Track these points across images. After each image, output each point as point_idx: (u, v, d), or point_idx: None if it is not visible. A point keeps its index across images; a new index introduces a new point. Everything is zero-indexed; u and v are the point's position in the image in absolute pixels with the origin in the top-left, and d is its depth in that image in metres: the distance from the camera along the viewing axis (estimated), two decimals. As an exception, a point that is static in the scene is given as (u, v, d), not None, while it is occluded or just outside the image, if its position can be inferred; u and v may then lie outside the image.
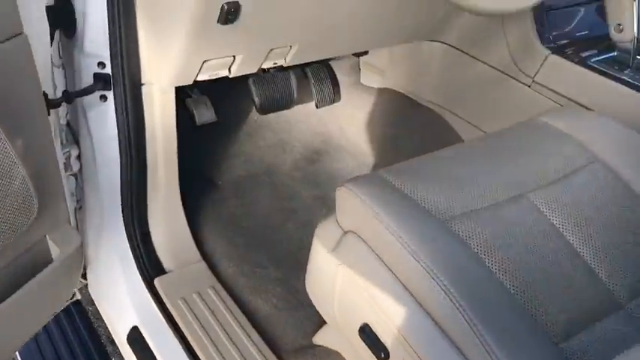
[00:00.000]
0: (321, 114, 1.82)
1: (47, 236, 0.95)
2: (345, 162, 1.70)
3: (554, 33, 1.39)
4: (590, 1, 1.45)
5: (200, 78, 1.20)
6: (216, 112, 1.56)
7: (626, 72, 1.29)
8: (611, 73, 1.28)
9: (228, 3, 1.01)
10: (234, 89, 1.65)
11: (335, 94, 1.79)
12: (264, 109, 1.61)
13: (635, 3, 1.24)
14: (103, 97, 1.18)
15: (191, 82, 1.20)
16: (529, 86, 1.38)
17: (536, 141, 1.09)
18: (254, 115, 1.70)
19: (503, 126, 1.46)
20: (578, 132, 1.10)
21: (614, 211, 0.95)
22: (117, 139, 1.19)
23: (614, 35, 1.29)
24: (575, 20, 1.45)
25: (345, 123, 1.82)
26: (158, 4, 1.07)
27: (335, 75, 1.82)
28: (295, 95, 1.67)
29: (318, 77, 1.76)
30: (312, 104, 1.79)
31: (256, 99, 1.58)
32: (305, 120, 1.80)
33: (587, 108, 1.28)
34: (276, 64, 1.30)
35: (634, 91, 1.22)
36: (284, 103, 1.63)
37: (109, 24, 1.08)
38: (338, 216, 0.95)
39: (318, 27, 1.23)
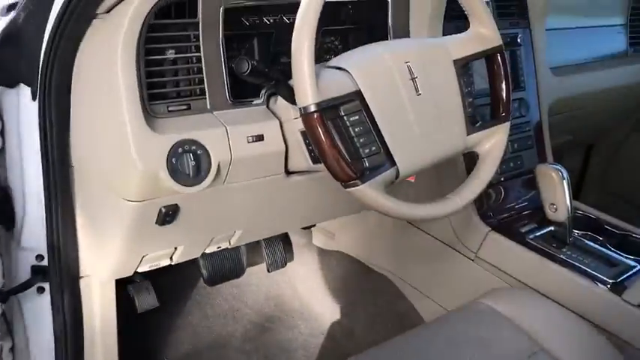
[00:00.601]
0: (274, 275, 1.81)
1: None
2: (299, 329, 1.67)
3: (494, 208, 1.44)
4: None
5: (141, 270, 1.19)
6: (162, 283, 1.53)
7: (564, 250, 1.32)
8: (549, 251, 1.31)
9: (166, 206, 1.03)
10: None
11: (287, 257, 1.78)
12: (213, 281, 1.59)
13: (565, 185, 1.30)
14: (41, 289, 1.15)
15: (131, 274, 1.18)
16: (472, 260, 1.41)
17: (480, 330, 1.09)
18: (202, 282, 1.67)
19: (452, 296, 1.47)
20: (521, 318, 1.11)
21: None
22: (53, 333, 1.15)
23: (549, 214, 1.34)
24: (513, 193, 1.51)
25: (299, 285, 1.80)
26: (96, 204, 1.08)
27: (287, 236, 1.83)
28: (245, 263, 1.66)
29: (269, 240, 1.76)
30: (264, 265, 1.78)
31: (204, 271, 1.56)
32: (257, 283, 1.79)
33: (529, 287, 1.30)
34: (220, 247, 1.30)
35: (572, 273, 1.24)
36: (235, 272, 1.62)
37: (46, 219, 1.09)
38: None
39: (263, 213, 1.25)
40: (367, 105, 0.95)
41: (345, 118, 0.93)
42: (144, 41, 0.95)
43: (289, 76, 0.93)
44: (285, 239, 1.80)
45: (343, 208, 1.47)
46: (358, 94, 0.95)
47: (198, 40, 1.03)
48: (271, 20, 1.17)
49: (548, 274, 1.27)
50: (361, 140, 0.94)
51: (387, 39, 1.29)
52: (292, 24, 1.04)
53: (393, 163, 0.97)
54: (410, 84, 1.00)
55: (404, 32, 1.31)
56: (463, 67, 1.09)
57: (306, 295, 1.79)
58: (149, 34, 0.96)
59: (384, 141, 0.96)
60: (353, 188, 0.91)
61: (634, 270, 1.26)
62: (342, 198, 1.39)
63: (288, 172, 1.16)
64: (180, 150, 0.97)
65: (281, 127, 1.10)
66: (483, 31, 1.10)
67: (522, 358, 1.01)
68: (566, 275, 1.25)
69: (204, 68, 1.04)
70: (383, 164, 0.96)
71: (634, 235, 1.40)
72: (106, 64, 0.94)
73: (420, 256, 1.55)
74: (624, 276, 1.23)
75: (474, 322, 1.12)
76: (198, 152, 0.99)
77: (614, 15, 1.94)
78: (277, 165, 1.13)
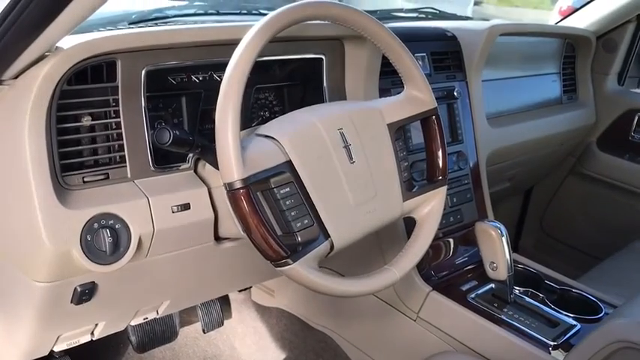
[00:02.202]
0: (211, 333, 1.72)
1: None
2: (237, 393, 1.58)
3: (434, 266, 1.41)
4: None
5: (57, 349, 1.09)
6: (85, 354, 1.41)
7: (505, 310, 1.30)
8: (490, 311, 1.28)
9: (81, 285, 0.94)
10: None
11: (224, 315, 1.70)
12: (143, 348, 1.49)
13: (504, 242, 1.29)
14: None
15: (46, 354, 1.08)
16: (414, 320, 1.36)
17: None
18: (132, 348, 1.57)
19: (394, 357, 1.42)
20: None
21: None
22: None
23: (490, 273, 1.32)
24: (453, 249, 1.48)
25: (238, 343, 1.72)
26: (3, 284, 0.99)
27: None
28: (179, 325, 1.56)
29: (205, 299, 1.68)
30: (200, 325, 1.69)
31: (132, 338, 1.46)
32: (192, 344, 1.69)
33: (471, 349, 1.26)
34: (147, 318, 1.21)
35: (513, 335, 1.21)
36: (167, 336, 1.52)
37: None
38: None
39: (192, 282, 1.18)
40: (298, 176, 0.90)
41: (275, 190, 0.88)
42: (56, 108, 0.88)
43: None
44: (222, 297, 1.72)
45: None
46: (289, 165, 0.90)
47: (117, 104, 0.96)
48: (200, 78, 1.12)
49: (490, 336, 1.24)
50: (292, 213, 0.89)
51: (323, 95, 1.25)
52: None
53: (327, 236, 0.92)
54: (343, 152, 0.96)
55: (339, 90, 1.27)
56: (397, 130, 1.06)
57: (245, 354, 1.70)
58: (62, 101, 0.89)
59: (317, 213, 0.91)
60: (283, 268, 0.86)
61: (574, 330, 1.24)
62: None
63: (218, 239, 1.09)
64: (95, 225, 0.89)
65: (210, 193, 1.04)
66: (418, 94, 1.08)
67: None
68: (507, 338, 1.21)
69: (124, 134, 0.97)
70: (316, 238, 0.90)
71: (573, 290, 1.39)
72: (12, 134, 0.86)
73: (361, 315, 1.50)
74: (565, 337, 1.21)
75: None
76: (117, 227, 0.92)
77: (548, 64, 1.98)
78: (206, 233, 1.06)
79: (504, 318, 1.27)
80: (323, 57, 1.23)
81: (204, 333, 1.66)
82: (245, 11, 1.59)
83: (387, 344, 1.45)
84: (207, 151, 0.96)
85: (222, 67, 1.03)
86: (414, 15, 2.00)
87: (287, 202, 0.88)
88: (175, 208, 0.99)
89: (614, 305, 1.33)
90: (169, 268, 1.06)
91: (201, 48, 1.04)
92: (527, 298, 1.35)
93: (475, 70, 1.56)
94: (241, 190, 0.82)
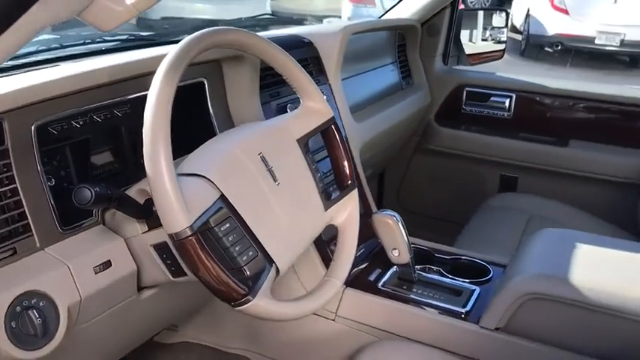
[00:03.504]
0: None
1: None
2: None
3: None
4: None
5: None
6: None
7: (414, 289, 1.39)
8: (402, 294, 1.37)
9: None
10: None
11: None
12: None
13: (402, 229, 1.37)
14: None
15: None
16: (333, 320, 1.40)
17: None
18: None
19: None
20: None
21: None
22: None
23: (393, 258, 1.40)
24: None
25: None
26: None
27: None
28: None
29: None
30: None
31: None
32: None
33: (395, 334, 1.33)
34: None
35: (429, 312, 1.31)
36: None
37: None
38: None
39: (117, 339, 1.09)
40: (235, 209, 0.88)
41: (215, 229, 0.85)
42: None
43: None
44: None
45: (199, 300, 1.37)
46: (224, 200, 0.87)
47: (10, 169, 0.86)
48: (81, 123, 1.03)
49: (408, 317, 1.33)
50: (237, 248, 0.87)
51: (211, 119, 1.23)
52: (105, 121, 0.97)
53: (272, 262, 0.91)
54: (267, 175, 0.96)
55: (225, 112, 1.26)
56: (305, 144, 1.08)
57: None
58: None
59: (259, 242, 0.90)
60: (245, 306, 0.84)
61: (475, 294, 1.38)
62: (196, 292, 1.29)
63: (139, 289, 1.03)
64: (18, 309, 0.80)
65: (127, 244, 0.97)
66: (314, 105, 1.11)
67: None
68: (425, 315, 1.31)
69: (23, 201, 0.87)
70: (264, 268, 0.89)
71: (462, 257, 1.54)
72: None
73: (276, 328, 1.50)
74: (471, 302, 1.34)
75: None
76: (41, 304, 0.82)
77: (386, 55, 2.13)
78: (130, 286, 1.00)
79: (415, 297, 1.36)
80: (204, 80, 1.21)
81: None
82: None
83: (310, 350, 1.47)
84: (125, 202, 0.90)
85: (102, 107, 0.98)
86: (254, 23, 2.03)
87: (230, 238, 0.86)
88: (97, 269, 0.92)
89: (499, 264, 1.49)
90: (95, 330, 0.98)
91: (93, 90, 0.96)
92: (427, 274, 1.46)
93: (335, 71, 1.63)
94: (191, 238, 0.78)
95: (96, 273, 0.91)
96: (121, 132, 1.11)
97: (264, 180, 0.94)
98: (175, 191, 0.77)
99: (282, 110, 1.41)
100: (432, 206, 2.46)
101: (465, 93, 2.32)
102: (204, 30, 0.89)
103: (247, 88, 1.27)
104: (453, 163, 2.39)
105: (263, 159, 0.96)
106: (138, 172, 1.14)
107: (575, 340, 1.16)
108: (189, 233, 0.78)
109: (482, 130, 2.32)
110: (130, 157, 1.13)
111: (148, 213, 0.94)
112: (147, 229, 0.97)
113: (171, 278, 0.99)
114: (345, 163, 1.14)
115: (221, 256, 0.85)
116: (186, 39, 0.87)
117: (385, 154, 2.24)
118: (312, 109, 1.11)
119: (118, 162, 1.13)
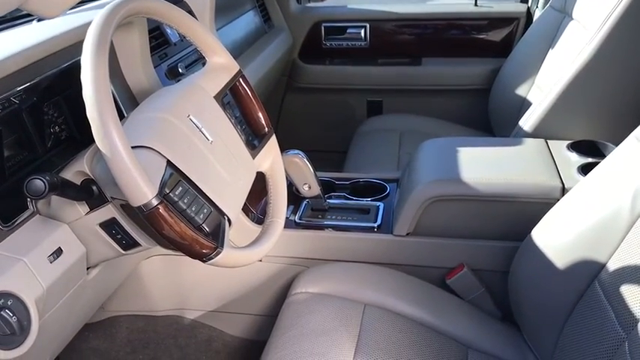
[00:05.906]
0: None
1: None
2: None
3: (255, 208, 1.54)
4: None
5: None
6: None
7: (328, 216, 1.52)
8: (320, 223, 1.49)
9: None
10: None
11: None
12: None
13: (309, 164, 1.47)
14: None
15: None
16: (261, 261, 1.49)
17: (314, 313, 1.22)
18: None
19: (251, 305, 1.54)
20: (335, 289, 1.28)
21: None
22: None
23: (305, 193, 1.51)
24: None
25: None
26: None
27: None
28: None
29: None
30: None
31: None
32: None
33: (324, 260, 1.46)
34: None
35: (348, 233, 1.45)
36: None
37: None
38: None
39: (70, 325, 1.09)
40: (182, 172, 0.92)
41: (171, 194, 0.89)
42: None
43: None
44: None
45: (126, 272, 1.38)
46: (171, 166, 0.91)
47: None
48: None
49: (330, 242, 1.46)
50: (193, 208, 0.91)
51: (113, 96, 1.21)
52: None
53: (224, 215, 0.97)
54: (200, 135, 1.00)
55: (120, 80, 1.25)
56: (222, 100, 1.12)
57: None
58: None
59: (210, 199, 0.95)
60: (217, 258, 0.89)
61: (380, 209, 1.53)
62: (125, 264, 1.31)
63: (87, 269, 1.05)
64: None
65: (71, 228, 0.97)
66: (220, 60, 1.15)
67: (358, 314, 1.19)
68: (343, 236, 1.45)
69: None
70: (219, 221, 0.95)
71: (360, 180, 1.68)
72: None
73: (204, 281, 1.56)
74: (379, 216, 1.50)
75: (304, 311, 1.24)
76: (9, 303, 0.82)
77: (246, 1, 2.15)
78: (81, 269, 1.01)
79: (331, 223, 1.49)
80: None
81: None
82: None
83: (242, 295, 1.55)
84: (67, 187, 0.90)
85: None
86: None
87: (185, 200, 0.90)
88: (51, 258, 0.92)
89: (391, 179, 1.66)
90: (53, 320, 0.98)
91: None
92: (335, 200, 1.59)
93: (210, 24, 1.65)
94: (159, 207, 0.82)
95: (51, 262, 0.91)
96: (23, 119, 1.07)
97: (200, 140, 0.98)
98: (134, 164, 0.80)
99: (173, 71, 1.41)
100: (311, 141, 2.60)
101: (322, 29, 2.43)
102: (117, 1, 0.89)
103: (139, 52, 1.26)
104: (322, 97, 2.52)
105: (192, 120, 0.99)
106: (51, 157, 1.12)
107: (475, 229, 1.37)
108: (157, 202, 0.81)
109: (344, 61, 2.46)
110: (38, 144, 1.10)
111: (89, 193, 0.95)
112: (89, 210, 0.97)
113: (122, 252, 1.01)
114: (259, 112, 1.21)
115: (183, 217, 0.89)
116: (104, 11, 0.86)
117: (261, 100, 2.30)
118: (220, 64, 1.14)
119: (26, 150, 1.09)
